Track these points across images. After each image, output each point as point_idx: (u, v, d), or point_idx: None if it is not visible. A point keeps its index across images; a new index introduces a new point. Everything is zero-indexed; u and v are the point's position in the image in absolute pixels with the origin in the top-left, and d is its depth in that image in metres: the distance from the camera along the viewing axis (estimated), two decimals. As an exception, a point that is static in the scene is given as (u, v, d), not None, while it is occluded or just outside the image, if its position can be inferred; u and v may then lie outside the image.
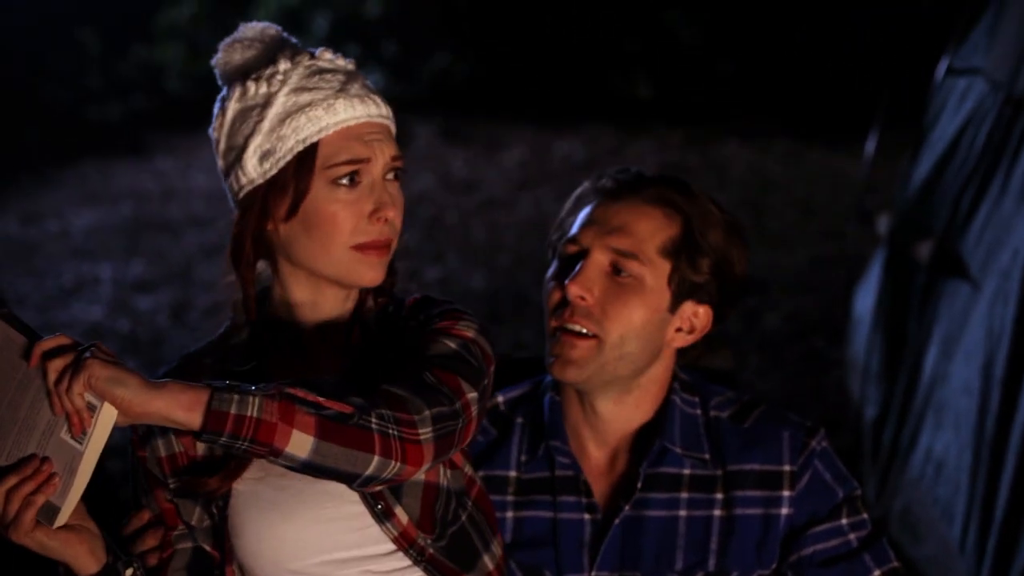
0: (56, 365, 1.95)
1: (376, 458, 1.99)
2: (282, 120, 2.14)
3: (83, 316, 7.36)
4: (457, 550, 2.27)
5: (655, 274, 2.38)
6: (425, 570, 2.23)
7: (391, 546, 2.21)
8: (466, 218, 8.97)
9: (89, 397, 1.94)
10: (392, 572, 2.23)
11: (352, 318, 2.25)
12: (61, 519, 2.02)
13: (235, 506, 2.22)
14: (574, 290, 2.37)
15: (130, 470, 2.28)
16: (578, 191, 2.48)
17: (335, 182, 2.15)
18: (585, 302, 2.37)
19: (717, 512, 2.40)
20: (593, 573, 2.41)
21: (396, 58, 11.13)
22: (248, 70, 2.20)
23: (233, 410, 1.93)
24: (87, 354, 1.95)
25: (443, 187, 9.56)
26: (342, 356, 2.23)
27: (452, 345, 2.17)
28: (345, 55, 2.23)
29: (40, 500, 2.00)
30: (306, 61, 2.19)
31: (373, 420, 1.99)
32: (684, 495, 2.41)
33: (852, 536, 2.38)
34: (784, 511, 2.39)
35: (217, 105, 2.23)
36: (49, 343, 1.99)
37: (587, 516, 2.42)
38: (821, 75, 10.75)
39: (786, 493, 2.39)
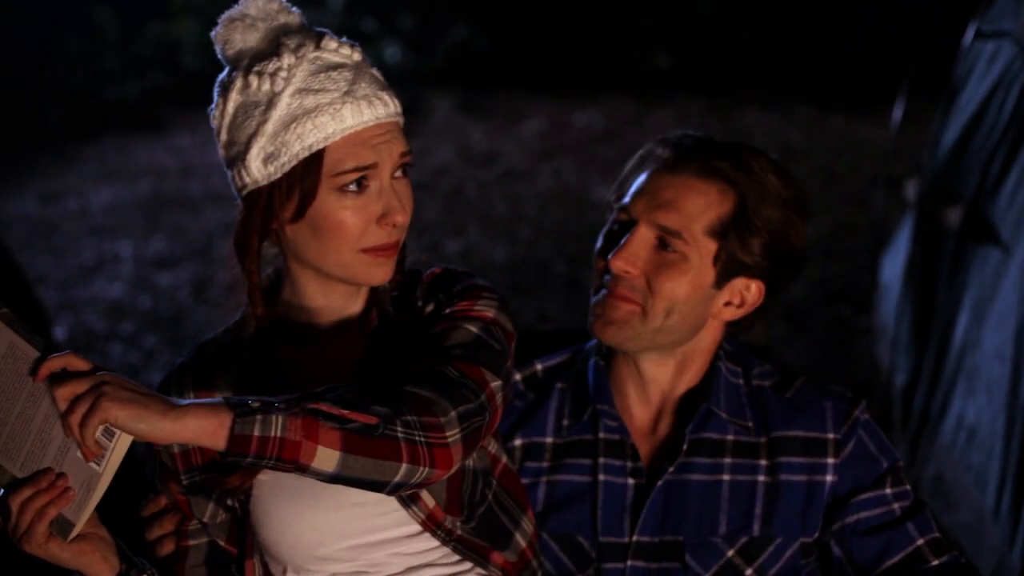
0: (64, 394, 1.90)
1: (404, 466, 1.95)
2: (286, 125, 2.07)
3: (104, 293, 7.36)
4: (487, 529, 2.25)
5: (700, 253, 2.35)
6: (454, 549, 2.21)
7: (418, 528, 2.19)
8: (486, 190, 8.94)
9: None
10: (421, 553, 2.21)
11: (367, 305, 2.21)
12: (75, 533, 1.99)
13: (257, 496, 2.19)
14: (618, 264, 2.35)
15: (147, 456, 2.25)
16: (642, 150, 2.44)
17: (342, 189, 2.09)
18: (629, 275, 2.35)
19: (761, 478, 2.38)
20: (634, 537, 2.39)
21: (413, 31, 11.08)
22: (250, 56, 2.13)
23: (256, 432, 1.88)
24: (101, 390, 1.88)
25: (463, 160, 9.53)
26: (359, 343, 2.20)
27: (473, 330, 2.13)
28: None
29: (53, 513, 1.97)
30: (311, 53, 2.10)
31: (399, 428, 1.94)
32: (728, 460, 2.39)
33: (896, 505, 2.36)
34: (828, 478, 2.37)
35: (217, 89, 2.15)
36: (56, 363, 1.93)
37: (631, 480, 2.40)
38: (840, 42, 10.69)
39: (830, 460, 2.37)
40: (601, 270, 2.40)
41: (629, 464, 2.41)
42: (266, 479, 2.17)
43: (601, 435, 2.42)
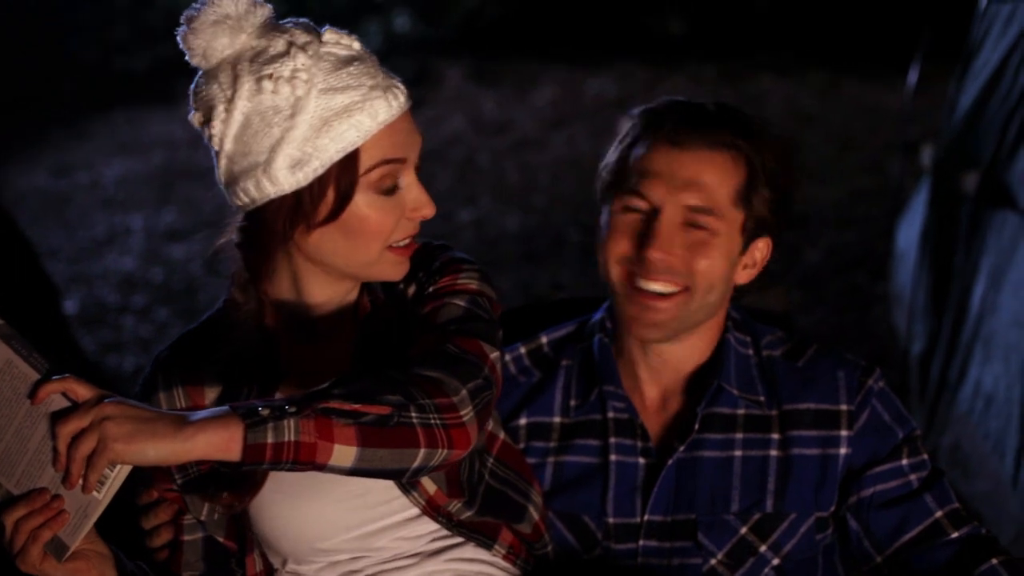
0: (67, 431, 1.84)
1: (423, 451, 1.90)
2: (317, 128, 1.99)
3: (116, 266, 7.35)
4: (494, 505, 2.23)
5: (729, 225, 2.32)
6: (457, 532, 2.20)
7: (417, 511, 2.17)
8: (499, 159, 8.90)
9: None
10: (423, 536, 2.19)
11: (360, 293, 2.18)
12: (68, 554, 1.95)
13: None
14: (658, 256, 2.29)
15: None
16: (630, 129, 2.37)
17: (378, 188, 2.03)
18: (667, 262, 2.30)
19: (774, 452, 2.34)
20: (646, 516, 2.35)
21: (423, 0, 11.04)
22: (249, 60, 2.01)
23: (270, 439, 1.82)
24: (104, 428, 1.81)
25: (474, 129, 9.49)
26: (352, 329, 2.17)
27: (461, 304, 2.10)
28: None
29: (47, 536, 1.92)
30: (321, 50, 2.02)
31: (413, 415, 1.90)
32: (739, 435, 2.35)
33: (913, 477, 2.33)
34: (842, 451, 2.33)
35: (204, 98, 2.03)
36: (54, 387, 1.87)
37: (642, 460, 2.37)
38: (854, 7, 10.63)
39: (844, 433, 2.33)
40: (621, 257, 2.32)
41: (639, 444, 2.37)
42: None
43: (610, 415, 2.39)
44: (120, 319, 6.66)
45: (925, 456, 2.35)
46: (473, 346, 2.03)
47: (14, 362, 1.92)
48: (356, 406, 1.86)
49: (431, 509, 2.16)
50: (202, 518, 2.19)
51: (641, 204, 2.32)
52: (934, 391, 4.58)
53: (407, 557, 2.18)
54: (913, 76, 5.37)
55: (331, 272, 2.11)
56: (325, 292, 2.14)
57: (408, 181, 2.06)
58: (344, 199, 2.02)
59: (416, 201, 2.07)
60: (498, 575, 2.25)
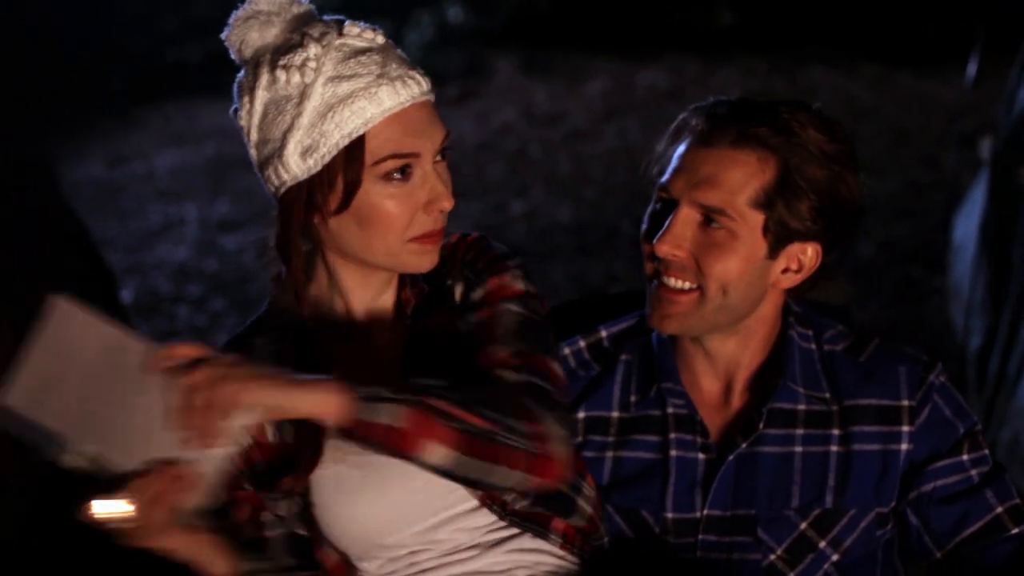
0: (186, 388, 1.89)
1: (520, 474, 1.99)
2: (323, 114, 2.03)
3: (170, 256, 7.39)
4: (546, 498, 2.23)
5: (748, 227, 2.27)
6: (511, 523, 2.21)
7: (476, 503, 2.18)
8: (551, 150, 8.89)
9: None
10: (480, 527, 2.20)
11: (399, 286, 2.20)
12: (194, 521, 1.99)
13: (317, 491, 2.18)
14: (664, 249, 2.29)
15: None
16: (676, 122, 2.35)
17: (387, 177, 2.06)
18: (677, 258, 2.29)
19: (834, 448, 2.33)
20: (705, 511, 2.35)
21: (475, -10, 11.04)
22: (271, 52, 2.09)
23: (373, 417, 1.90)
24: (229, 373, 1.88)
25: (526, 120, 9.48)
26: (396, 327, 2.18)
27: (515, 309, 2.14)
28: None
29: (172, 501, 1.95)
30: (336, 41, 2.06)
31: (518, 438, 1.97)
32: (800, 431, 2.34)
33: (973, 472, 2.31)
34: (904, 447, 2.31)
35: (239, 89, 2.12)
36: (173, 352, 1.92)
37: (702, 456, 2.36)
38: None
39: (905, 428, 2.32)
40: (649, 253, 2.33)
41: (699, 439, 2.36)
42: (324, 472, 2.16)
43: (669, 411, 2.38)
44: (174, 308, 6.70)
45: (986, 451, 2.33)
46: (544, 365, 2.10)
47: (114, 337, 1.94)
48: (459, 412, 1.94)
49: (487, 498, 2.17)
50: (281, 513, 2.21)
51: (665, 197, 2.32)
52: (992, 386, 4.54)
53: (467, 549, 2.19)
54: (972, 68, 5.32)
55: (360, 263, 2.13)
56: (359, 285, 2.16)
57: (424, 173, 2.08)
58: (352, 188, 2.05)
59: (432, 194, 2.09)
60: (557, 564, 2.25)
